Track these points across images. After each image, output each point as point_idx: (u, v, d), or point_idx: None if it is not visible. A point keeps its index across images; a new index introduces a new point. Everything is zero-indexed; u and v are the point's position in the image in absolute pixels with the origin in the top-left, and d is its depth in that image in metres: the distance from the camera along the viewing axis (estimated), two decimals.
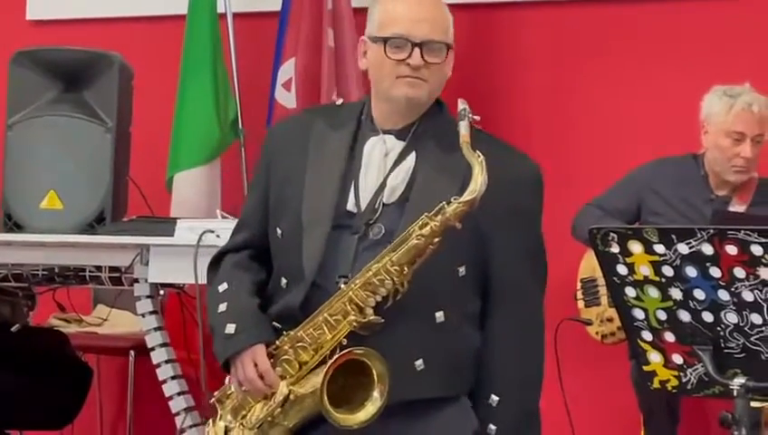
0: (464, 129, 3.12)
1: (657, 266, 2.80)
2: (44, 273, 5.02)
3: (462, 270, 3.18)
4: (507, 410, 3.20)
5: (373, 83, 3.32)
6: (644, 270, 2.82)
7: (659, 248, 2.78)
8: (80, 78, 5.09)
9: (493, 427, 3.21)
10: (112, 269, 4.89)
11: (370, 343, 3.12)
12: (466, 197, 3.09)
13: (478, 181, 3.09)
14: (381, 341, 3.13)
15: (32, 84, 5.08)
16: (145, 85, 5.30)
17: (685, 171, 5.53)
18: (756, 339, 2.75)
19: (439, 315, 3.17)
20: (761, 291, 2.71)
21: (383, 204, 3.21)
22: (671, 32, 5.84)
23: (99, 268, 4.84)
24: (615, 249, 2.83)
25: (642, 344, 2.89)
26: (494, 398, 3.21)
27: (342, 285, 3.14)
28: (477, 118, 3.22)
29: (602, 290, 5.44)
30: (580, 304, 5.68)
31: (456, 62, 6.25)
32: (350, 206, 3.23)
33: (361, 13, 6.04)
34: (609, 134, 5.94)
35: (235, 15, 6.10)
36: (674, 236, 2.77)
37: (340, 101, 3.32)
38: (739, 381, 2.76)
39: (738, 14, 5.72)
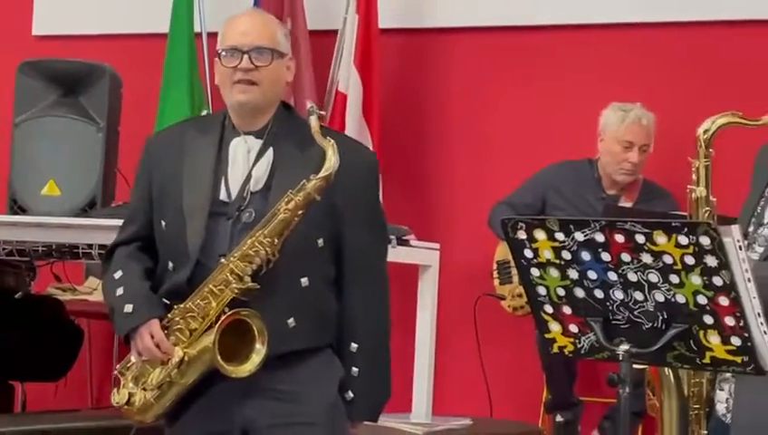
0: (314, 121, 3.21)
1: (557, 251, 2.78)
2: (44, 249, 4.98)
3: (320, 242, 3.25)
4: (365, 355, 3.30)
5: (222, 94, 3.38)
6: (546, 254, 2.80)
7: (560, 236, 2.77)
8: (76, 85, 5.08)
9: (355, 369, 3.29)
10: (102, 247, 4.86)
11: (250, 307, 3.18)
12: (323, 173, 3.17)
13: (332, 160, 3.17)
14: (259, 303, 3.18)
15: (36, 90, 5.08)
16: (132, 92, 5.27)
17: (581, 173, 5.56)
18: (639, 313, 2.75)
19: (304, 280, 3.23)
20: (643, 273, 2.70)
21: (250, 192, 3.27)
22: (577, 57, 5.84)
23: (90, 246, 4.80)
24: (523, 236, 2.81)
25: (544, 316, 2.87)
26: (354, 345, 3.29)
27: (223, 261, 3.19)
28: (323, 113, 3.41)
29: (514, 271, 5.45)
30: (496, 282, 5.70)
31: (389, 80, 6.27)
32: (223, 196, 3.28)
33: (314, 34, 6.08)
34: (520, 142, 5.93)
35: (209, 35, 6.06)
36: (572, 226, 2.75)
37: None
38: (624, 347, 2.75)
39: (632, 43, 5.73)
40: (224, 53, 3.30)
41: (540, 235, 2.80)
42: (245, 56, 3.26)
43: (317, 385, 3.28)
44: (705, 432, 3.22)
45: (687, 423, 3.25)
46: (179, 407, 3.30)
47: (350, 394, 3.32)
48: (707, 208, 3.13)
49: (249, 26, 3.32)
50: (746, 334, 2.65)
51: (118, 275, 3.35)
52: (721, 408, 3.13)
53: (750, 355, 2.67)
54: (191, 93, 6.01)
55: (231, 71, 3.27)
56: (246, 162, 3.30)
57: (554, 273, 2.81)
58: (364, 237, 3.32)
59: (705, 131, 3.11)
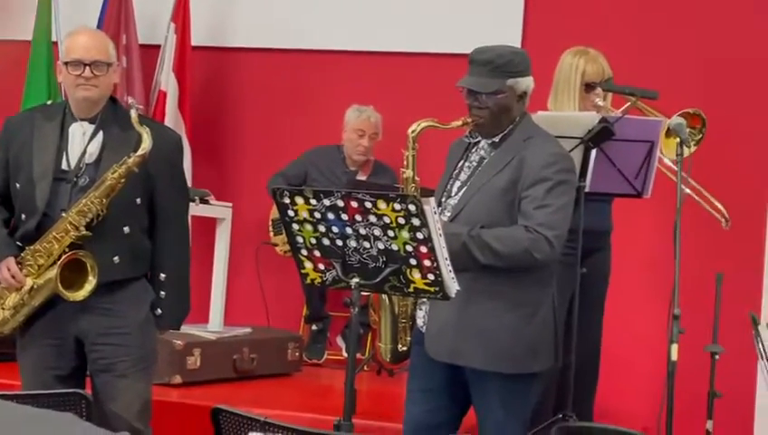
0: (133, 113, 3.16)
1: (311, 212, 2.79)
2: None
3: (138, 200, 3.22)
4: (170, 282, 3.27)
5: (66, 90, 3.31)
6: (304, 214, 2.80)
7: (313, 201, 2.77)
8: None
9: (163, 292, 3.26)
10: None
11: (85, 248, 3.14)
12: (140, 152, 3.14)
13: (146, 142, 3.14)
14: (91, 246, 3.15)
15: None
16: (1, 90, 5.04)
17: (332, 155, 5.60)
18: (366, 256, 2.77)
19: (126, 229, 3.20)
20: (370, 229, 2.72)
21: (85, 164, 3.20)
22: (331, 72, 5.87)
23: None
24: (287, 201, 2.80)
25: (301, 257, 2.87)
26: (162, 275, 3.27)
27: (63, 214, 3.12)
28: (141, 107, 3.34)
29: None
30: (271, 234, 5.69)
31: (199, 83, 6.15)
32: (64, 166, 3.21)
33: (143, 46, 5.94)
34: (293, 130, 5.93)
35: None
36: (321, 195, 2.76)
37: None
38: (355, 280, 2.78)
39: (370, 65, 5.78)
40: (69, 63, 3.21)
41: (299, 200, 2.79)
42: (87, 68, 3.19)
43: (133, 305, 3.24)
44: (410, 338, 3.28)
45: (398, 332, 3.31)
46: (29, 322, 3.23)
47: (159, 311, 3.29)
48: (413, 185, 3.15)
49: (90, 43, 3.23)
50: (438, 272, 2.71)
51: None
52: (420, 321, 3.18)
53: (440, 287, 2.73)
54: (49, 93, 5.77)
55: (75, 76, 3.20)
56: (83, 141, 3.22)
57: (309, 227, 2.81)
58: (171, 196, 3.28)
59: (413, 131, 3.13)
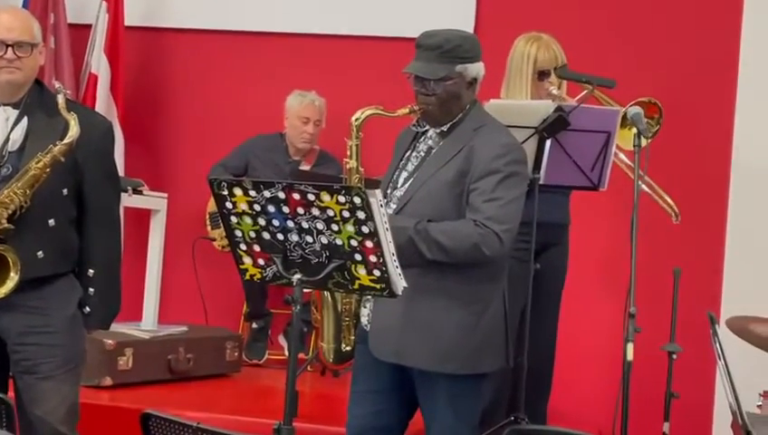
0: (60, 99, 3.12)
1: (250, 204, 2.78)
2: None
3: (65, 191, 3.17)
4: (99, 278, 3.23)
5: None
6: (242, 206, 2.79)
7: (252, 193, 2.76)
8: None
9: (91, 289, 3.23)
10: None
11: (7, 243, 3.08)
12: (67, 140, 3.09)
13: (74, 130, 3.09)
14: (14, 240, 3.09)
15: None
16: None
17: (274, 143, 5.59)
18: (309, 251, 2.77)
19: (51, 221, 3.15)
20: (312, 222, 2.73)
21: (8, 152, 3.15)
22: (270, 55, 5.86)
23: None
24: (225, 192, 2.79)
25: (240, 252, 2.86)
26: (91, 271, 3.23)
27: None
28: (69, 92, 3.29)
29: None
30: (209, 227, 5.66)
31: (132, 66, 6.12)
32: None
33: (72, 26, 5.87)
34: (233, 118, 5.91)
35: None
36: (261, 186, 2.75)
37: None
38: (297, 276, 2.77)
39: (311, 47, 5.77)
40: None
41: (238, 191, 2.78)
42: (10, 49, 3.14)
43: (60, 302, 3.20)
44: (353, 337, 3.30)
45: (341, 331, 3.33)
46: None
47: (87, 309, 3.26)
48: (357, 176, 3.16)
49: (13, 23, 3.17)
50: (384, 268, 2.71)
51: None
52: (364, 320, 3.19)
53: (386, 283, 2.74)
54: None
55: None
56: (5, 128, 3.17)
57: (248, 220, 2.80)
58: (100, 187, 3.24)
59: (356, 119, 3.14)
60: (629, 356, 3.37)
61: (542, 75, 4.09)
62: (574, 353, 5.02)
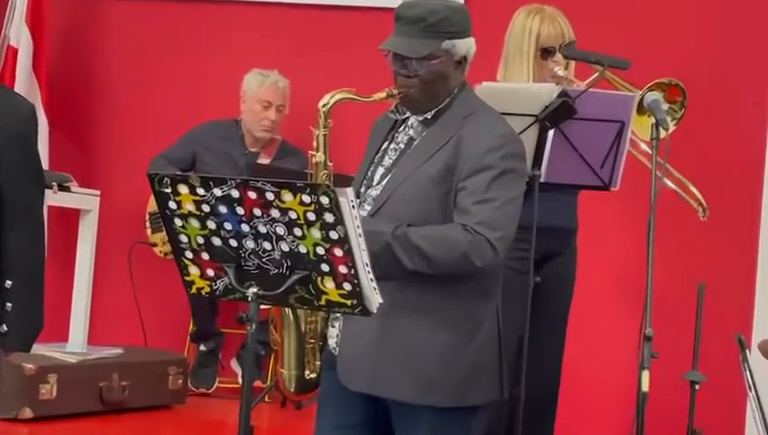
0: None
1: (198, 204, 2.78)
2: None
3: None
4: (19, 291, 3.20)
5: None
6: (189, 206, 2.79)
7: (200, 191, 2.76)
8: None
9: (9, 304, 3.19)
10: None
11: None
12: None
13: None
14: None
15: None
16: None
17: (227, 132, 5.61)
18: (267, 260, 2.77)
19: None
20: (271, 226, 2.73)
21: None
22: (224, 28, 5.86)
23: None
24: (168, 190, 2.79)
25: (185, 261, 2.86)
26: (9, 282, 3.19)
27: None
28: None
29: None
30: (149, 231, 5.67)
31: (59, 39, 6.11)
32: None
33: None
34: (177, 101, 5.92)
35: None
36: (211, 183, 2.75)
37: None
38: (253, 290, 2.78)
39: (271, 19, 5.79)
40: None
41: (183, 189, 2.77)
42: None
43: None
44: (319, 362, 3.31)
45: (304, 355, 3.33)
46: None
47: (4, 327, 3.22)
48: (325, 172, 3.16)
49: None
50: (356, 281, 2.71)
51: None
52: (332, 342, 3.18)
53: (358, 299, 2.74)
54: None
55: None
56: None
57: (195, 223, 2.80)
58: (21, 183, 3.20)
59: (324, 105, 3.13)
60: (645, 386, 3.40)
61: (545, 53, 4.11)
62: (582, 382, 5.05)
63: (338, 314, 3.10)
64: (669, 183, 4.36)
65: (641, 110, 4.00)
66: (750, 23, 5.28)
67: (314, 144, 3.19)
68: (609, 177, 4.00)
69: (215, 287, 2.86)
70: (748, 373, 2.98)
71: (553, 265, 4.14)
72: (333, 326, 3.19)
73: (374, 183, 3.16)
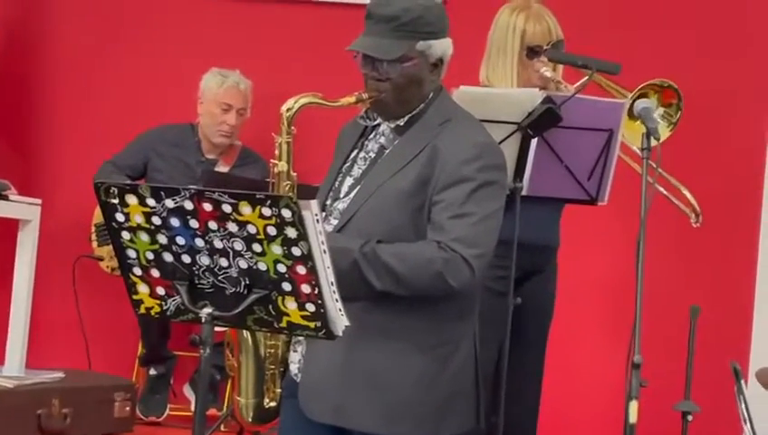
0: None
1: (148, 216, 2.78)
2: None
3: None
4: None
5: None
6: (138, 218, 2.79)
7: (151, 202, 2.76)
8: None
9: None
10: None
11: None
12: None
13: None
14: None
15: None
16: None
17: (182, 137, 5.60)
18: (223, 278, 2.77)
19: None
20: (228, 241, 2.73)
21: None
22: (181, 22, 5.86)
23: None
24: (115, 200, 2.79)
25: (133, 278, 2.86)
26: None
27: None
28: None
29: None
30: (94, 244, 5.66)
31: (5, 36, 6.08)
32: None
33: None
34: (128, 103, 5.91)
35: None
36: (163, 193, 2.75)
37: None
38: (207, 310, 2.78)
39: (232, 16, 5.79)
40: None
41: (132, 200, 2.78)
42: None
43: None
44: (279, 390, 3.31)
45: (264, 381, 3.33)
46: None
47: None
48: (288, 182, 3.17)
49: None
50: (320, 301, 2.72)
51: None
52: (294, 367, 3.18)
53: (322, 321, 2.74)
54: None
55: None
56: None
57: (144, 237, 2.80)
58: None
59: (288, 109, 3.14)
60: (632, 418, 3.40)
61: (531, 53, 4.12)
62: (565, 411, 5.06)
63: (300, 338, 3.10)
64: (661, 188, 4.37)
65: (633, 114, 4.00)
66: (750, 23, 5.32)
67: (276, 152, 3.20)
68: (597, 190, 4.02)
69: (165, 307, 2.86)
70: (743, 405, 2.99)
71: (533, 284, 4.15)
72: (295, 351, 3.19)
73: (341, 195, 3.16)
